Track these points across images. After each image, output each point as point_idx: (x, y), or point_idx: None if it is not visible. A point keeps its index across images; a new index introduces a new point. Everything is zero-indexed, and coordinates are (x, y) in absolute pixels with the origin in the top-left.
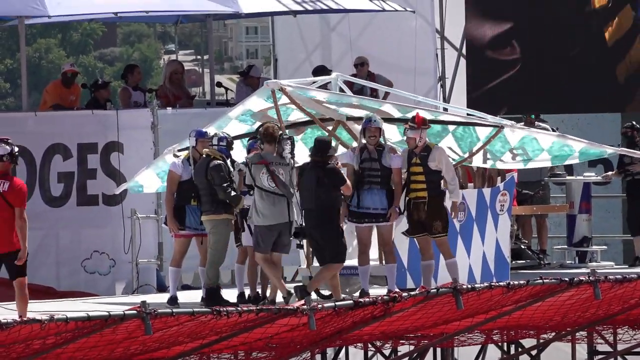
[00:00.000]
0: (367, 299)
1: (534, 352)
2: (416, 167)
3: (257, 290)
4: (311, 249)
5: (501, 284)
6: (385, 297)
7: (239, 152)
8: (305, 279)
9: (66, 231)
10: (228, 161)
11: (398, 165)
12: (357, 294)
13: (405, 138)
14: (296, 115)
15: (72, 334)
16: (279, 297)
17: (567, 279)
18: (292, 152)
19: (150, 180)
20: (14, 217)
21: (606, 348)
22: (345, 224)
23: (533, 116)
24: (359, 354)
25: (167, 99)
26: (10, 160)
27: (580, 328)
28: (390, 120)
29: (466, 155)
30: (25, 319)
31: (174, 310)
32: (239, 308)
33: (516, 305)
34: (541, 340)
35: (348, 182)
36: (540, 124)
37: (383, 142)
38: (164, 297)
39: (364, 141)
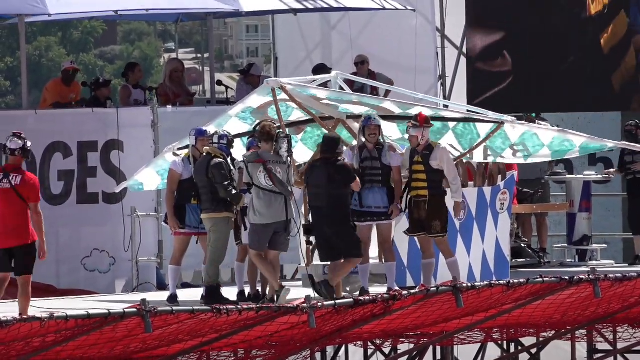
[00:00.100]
0: (367, 297)
1: (533, 351)
2: (418, 166)
3: (257, 288)
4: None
5: (501, 282)
6: (385, 295)
7: (239, 151)
8: (305, 277)
9: (66, 229)
10: (228, 159)
11: (398, 164)
12: (357, 292)
13: (405, 136)
14: (296, 115)
15: (72, 332)
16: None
17: (567, 277)
18: (289, 151)
19: (150, 178)
20: (26, 211)
21: (606, 346)
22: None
23: (534, 115)
24: (358, 352)
25: (167, 97)
26: (22, 154)
27: (580, 326)
28: (390, 117)
29: (466, 151)
30: (25, 316)
31: (174, 308)
32: (239, 306)
33: (516, 303)
34: (541, 339)
35: (357, 179)
36: (541, 122)
37: (382, 140)
38: (164, 295)
39: (363, 140)
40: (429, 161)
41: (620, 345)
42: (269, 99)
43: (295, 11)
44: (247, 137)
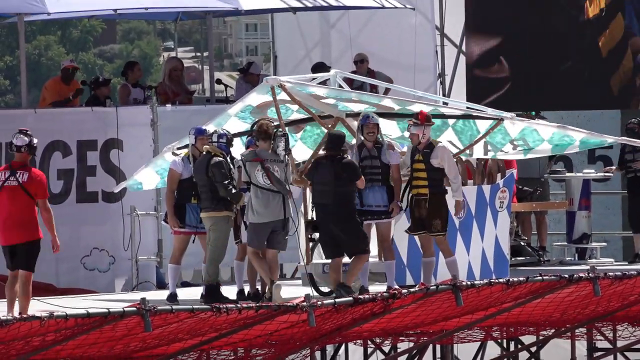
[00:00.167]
0: (367, 296)
1: (533, 349)
2: (418, 164)
3: (257, 287)
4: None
5: (501, 280)
6: (384, 294)
7: (239, 150)
8: (305, 276)
9: (65, 228)
10: (228, 158)
11: (396, 162)
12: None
13: (405, 133)
14: (295, 117)
15: (71, 331)
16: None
17: (566, 275)
18: (286, 149)
19: (149, 177)
20: (32, 208)
21: (606, 345)
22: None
23: (533, 113)
24: (358, 350)
25: (166, 96)
26: (29, 151)
27: (579, 325)
28: (390, 115)
29: (466, 146)
30: (25, 315)
31: (174, 307)
32: (238, 305)
33: (516, 302)
34: (541, 337)
35: (362, 176)
36: (540, 120)
37: (381, 138)
38: (163, 294)
39: (362, 138)
40: (429, 159)
41: (620, 344)
42: (268, 98)
43: (294, 9)
44: (246, 136)
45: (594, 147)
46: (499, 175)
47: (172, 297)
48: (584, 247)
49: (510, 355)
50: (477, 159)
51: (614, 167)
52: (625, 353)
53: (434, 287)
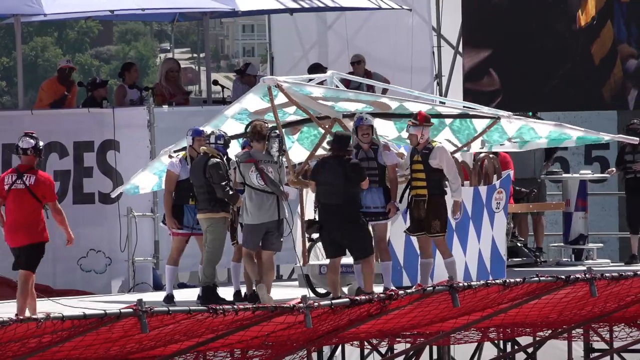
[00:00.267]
0: (364, 297)
1: (530, 350)
2: (417, 165)
3: (254, 288)
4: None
5: (497, 281)
6: (381, 295)
7: (235, 151)
8: (301, 277)
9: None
10: (225, 159)
11: (392, 162)
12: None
13: (402, 134)
14: (292, 119)
15: (68, 333)
16: (276, 295)
17: (563, 276)
18: (280, 150)
19: (146, 180)
20: (39, 211)
21: (602, 346)
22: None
23: (530, 113)
24: (355, 352)
25: (163, 97)
26: (35, 153)
27: (576, 326)
28: (387, 115)
29: (462, 144)
30: (22, 317)
31: (171, 308)
32: (235, 306)
33: (512, 303)
34: (537, 338)
35: (367, 178)
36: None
37: (376, 139)
38: (160, 296)
39: (357, 140)
40: (428, 160)
41: (616, 345)
42: (265, 104)
43: (291, 11)
44: (243, 138)
45: (591, 143)
46: (495, 176)
47: (169, 298)
48: (581, 248)
49: (507, 356)
50: (474, 161)
51: (614, 169)
52: (622, 354)
53: (431, 288)
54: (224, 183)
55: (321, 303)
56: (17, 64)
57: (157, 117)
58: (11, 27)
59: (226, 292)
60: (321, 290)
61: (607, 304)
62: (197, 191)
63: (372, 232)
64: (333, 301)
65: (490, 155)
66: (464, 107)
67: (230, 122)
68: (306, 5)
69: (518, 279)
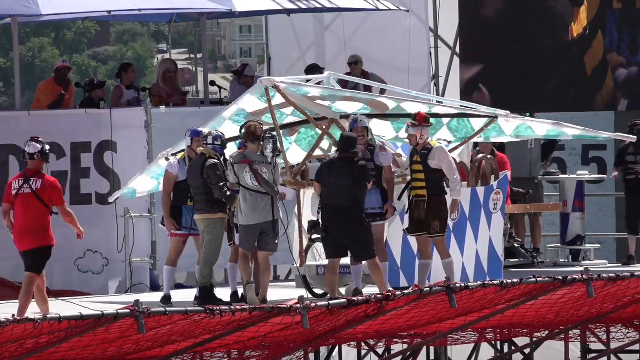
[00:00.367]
0: (361, 298)
1: (527, 351)
2: (417, 166)
3: None
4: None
5: (494, 282)
6: (378, 295)
7: (232, 152)
8: (299, 278)
9: (59, 230)
10: (222, 160)
11: (388, 163)
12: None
13: (399, 134)
14: (290, 120)
15: (65, 333)
16: (273, 296)
17: (560, 277)
18: (274, 151)
19: (143, 183)
20: (46, 215)
21: (599, 346)
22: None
23: (527, 114)
24: (352, 352)
25: (160, 97)
26: (42, 158)
27: (573, 326)
28: (384, 116)
29: (458, 143)
30: (19, 318)
31: (168, 309)
32: (232, 307)
33: (509, 303)
34: (534, 339)
35: (371, 180)
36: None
37: (372, 141)
38: (157, 296)
39: None
40: (427, 161)
41: (613, 345)
42: (262, 105)
43: (288, 11)
44: (240, 140)
45: (588, 139)
46: (493, 177)
47: (166, 299)
48: (578, 248)
49: (504, 357)
50: (471, 162)
51: (616, 173)
52: (619, 355)
53: (428, 288)
54: (221, 184)
55: (318, 304)
56: (14, 64)
57: (154, 118)
58: (8, 28)
59: (223, 293)
60: (318, 291)
61: (604, 305)
62: (194, 192)
63: None
64: (330, 302)
65: (488, 156)
66: (461, 106)
67: (227, 124)
68: (303, 6)
69: (515, 280)
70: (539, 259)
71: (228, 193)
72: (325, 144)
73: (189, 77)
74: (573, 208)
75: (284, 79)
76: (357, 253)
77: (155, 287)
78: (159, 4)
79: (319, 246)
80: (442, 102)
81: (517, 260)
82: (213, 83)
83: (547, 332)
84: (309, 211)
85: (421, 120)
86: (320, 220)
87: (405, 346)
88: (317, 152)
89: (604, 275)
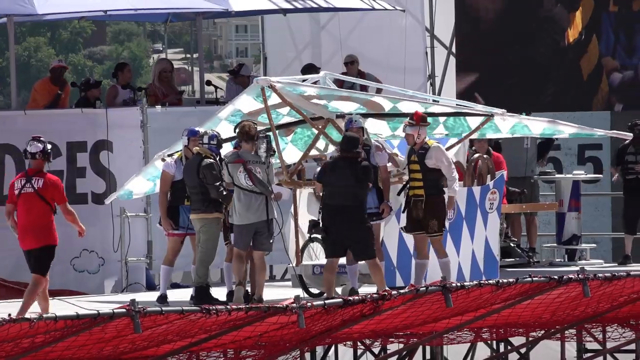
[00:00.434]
0: (357, 297)
1: (523, 350)
2: (414, 165)
3: (247, 288)
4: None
5: (490, 282)
6: (374, 295)
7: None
8: (294, 277)
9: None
10: (218, 159)
11: (384, 163)
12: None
13: (395, 132)
14: (286, 120)
15: (61, 333)
16: (269, 296)
17: (556, 277)
18: (267, 151)
19: (139, 185)
20: (48, 214)
21: (595, 346)
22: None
23: (524, 114)
24: (348, 352)
25: (156, 97)
26: (43, 157)
27: (569, 326)
28: (380, 115)
29: (455, 140)
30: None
31: (163, 308)
32: (228, 306)
33: (505, 303)
34: (530, 339)
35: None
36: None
37: (368, 140)
38: (153, 296)
39: None
40: (424, 160)
41: (609, 345)
42: (258, 105)
43: (284, 11)
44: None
45: (584, 137)
46: (489, 176)
47: (162, 298)
48: (574, 248)
49: (500, 357)
50: (467, 162)
51: (616, 175)
52: (614, 354)
53: (424, 288)
54: (217, 183)
55: (314, 303)
56: (10, 64)
57: (150, 118)
58: (4, 27)
59: (219, 292)
60: (314, 291)
61: (600, 305)
62: (190, 191)
63: None
64: (326, 301)
65: (484, 156)
66: (457, 105)
67: (224, 124)
68: (299, 6)
69: (511, 279)
70: (535, 259)
71: (224, 193)
72: (321, 143)
73: (185, 77)
74: (569, 207)
75: (280, 78)
76: (358, 253)
77: (151, 286)
78: (154, 3)
79: (316, 246)
80: (438, 102)
81: (513, 259)
82: (209, 83)
83: (543, 332)
84: (305, 211)
85: (418, 120)
86: (320, 220)
87: (401, 346)
88: (313, 152)
89: (600, 275)
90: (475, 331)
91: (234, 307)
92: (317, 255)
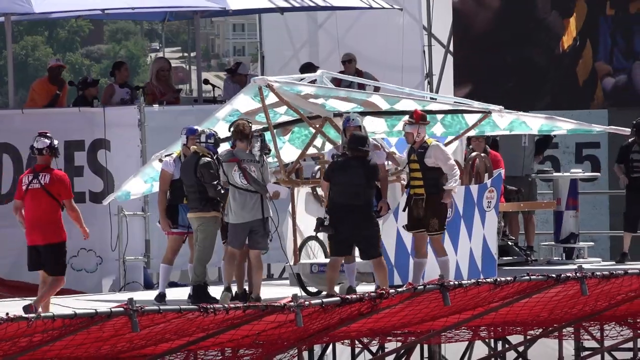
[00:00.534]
0: (354, 296)
1: (521, 349)
2: (414, 164)
3: (244, 287)
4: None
5: (488, 280)
6: (372, 293)
7: None
8: (292, 276)
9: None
10: (215, 158)
11: (382, 161)
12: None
13: (393, 130)
14: (283, 119)
15: (58, 332)
16: (267, 294)
17: (554, 275)
18: (262, 150)
19: (137, 185)
20: (56, 210)
21: (593, 344)
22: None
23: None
24: (346, 350)
25: (153, 96)
26: (50, 153)
27: (567, 324)
28: (378, 113)
29: (452, 137)
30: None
31: (161, 307)
32: (225, 305)
33: (503, 301)
34: (528, 337)
35: None
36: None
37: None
38: (151, 295)
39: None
40: (423, 159)
41: (607, 343)
42: (256, 105)
43: (282, 10)
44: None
45: (581, 134)
46: (486, 175)
47: (161, 297)
48: (572, 246)
49: (498, 355)
50: (465, 160)
51: (622, 174)
52: (612, 352)
53: (422, 286)
54: (215, 182)
55: (312, 302)
56: (8, 63)
57: (147, 116)
58: (1, 26)
59: (217, 291)
60: (312, 289)
61: (597, 303)
62: (187, 190)
63: None
64: (324, 300)
65: (482, 155)
66: (454, 102)
67: (221, 124)
68: (297, 5)
69: (509, 278)
70: (533, 257)
71: (222, 191)
72: (318, 142)
73: (183, 76)
74: (567, 206)
75: (277, 78)
76: (365, 251)
77: (149, 285)
78: (152, 2)
79: (313, 244)
80: (435, 99)
81: (511, 258)
82: (206, 81)
83: (540, 330)
84: (303, 209)
85: (418, 118)
86: (325, 218)
87: (399, 344)
88: (311, 151)
89: (598, 273)
90: (473, 329)
91: (231, 305)
92: (315, 253)
